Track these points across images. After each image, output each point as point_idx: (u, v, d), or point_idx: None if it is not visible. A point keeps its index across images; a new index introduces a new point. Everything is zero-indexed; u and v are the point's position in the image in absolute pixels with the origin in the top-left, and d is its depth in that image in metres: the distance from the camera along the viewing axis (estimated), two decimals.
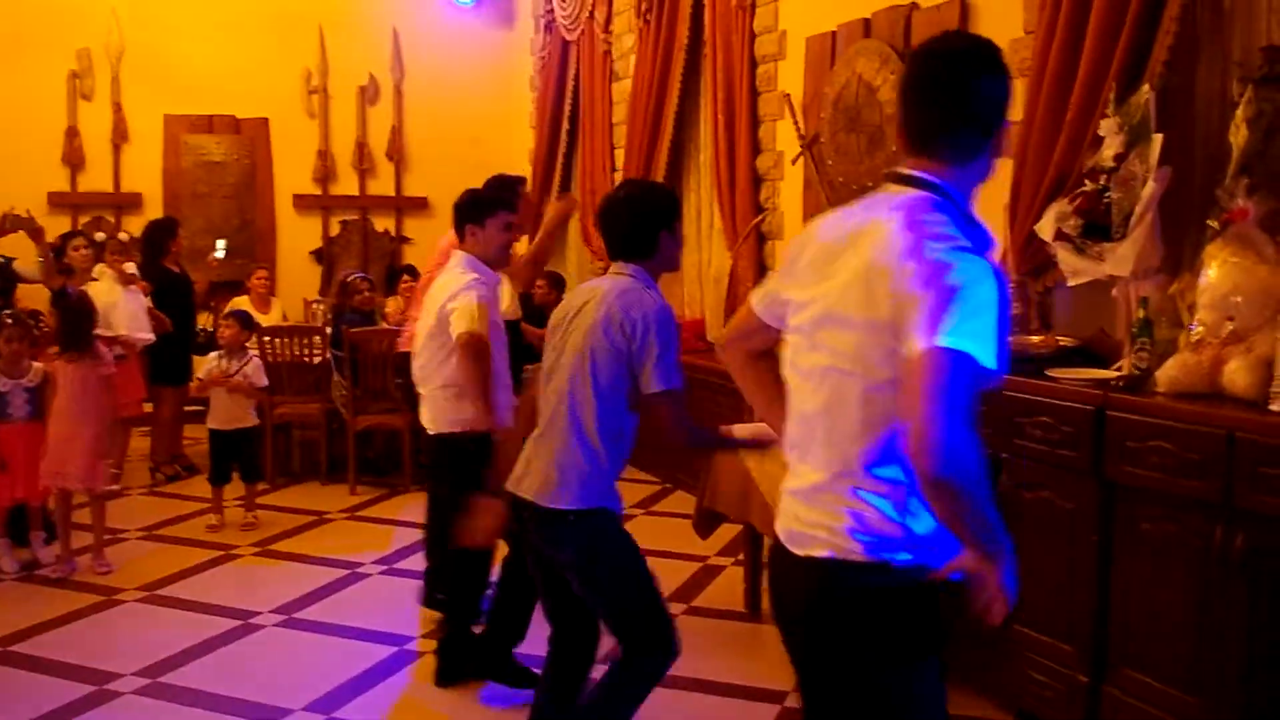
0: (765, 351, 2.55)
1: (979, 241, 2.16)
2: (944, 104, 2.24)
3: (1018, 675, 4.09)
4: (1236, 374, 3.44)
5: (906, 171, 2.27)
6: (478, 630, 4.61)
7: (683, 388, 3.39)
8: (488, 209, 4.63)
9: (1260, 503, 3.18)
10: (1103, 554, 3.74)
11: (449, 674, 4.56)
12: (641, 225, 3.50)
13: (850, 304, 2.18)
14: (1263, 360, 3.39)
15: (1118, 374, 3.84)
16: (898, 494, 2.19)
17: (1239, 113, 3.73)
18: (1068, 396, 3.82)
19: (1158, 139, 3.90)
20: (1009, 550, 2.16)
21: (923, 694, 2.34)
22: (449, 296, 4.43)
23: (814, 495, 2.29)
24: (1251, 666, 3.26)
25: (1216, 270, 3.57)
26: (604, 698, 3.51)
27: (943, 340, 1.97)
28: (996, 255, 2.23)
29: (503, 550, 4.49)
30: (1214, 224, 3.74)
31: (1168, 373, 3.61)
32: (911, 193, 2.23)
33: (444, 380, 4.54)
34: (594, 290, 3.49)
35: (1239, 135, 3.71)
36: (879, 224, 2.17)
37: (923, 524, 2.20)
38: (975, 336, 1.99)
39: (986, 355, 2.00)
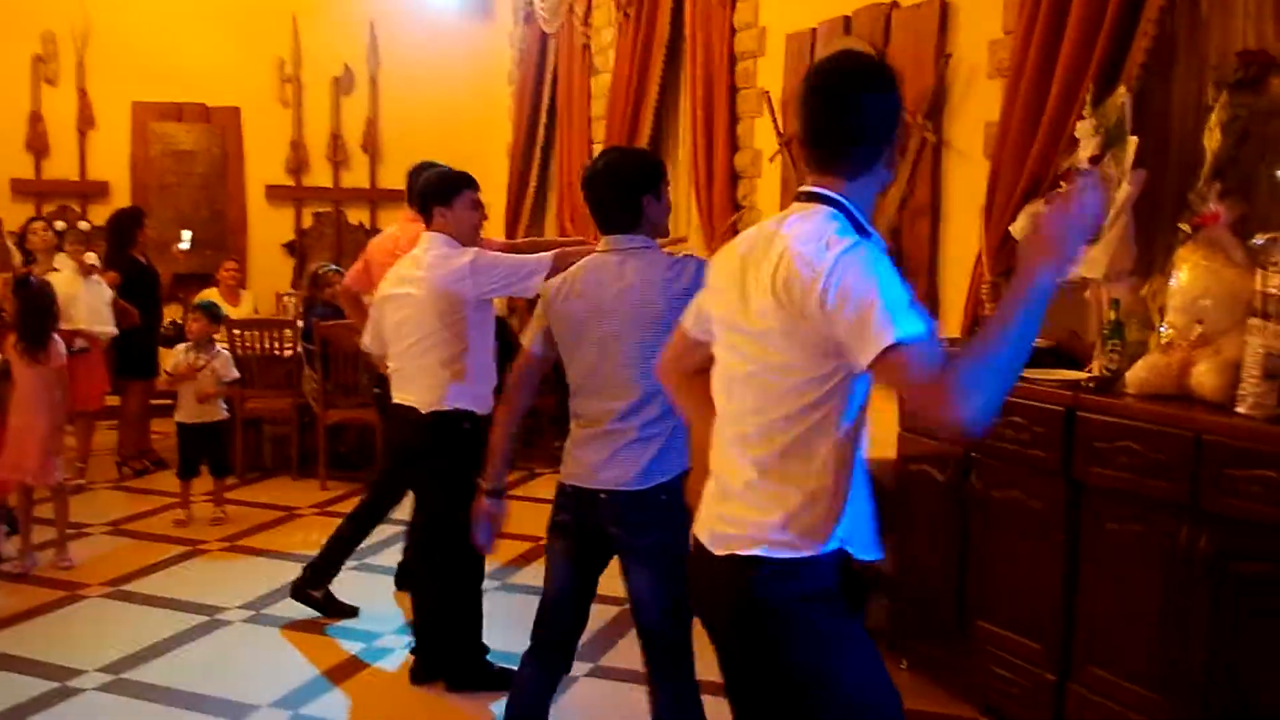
0: (701, 369, 2.57)
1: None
2: (833, 123, 2.36)
3: (984, 672, 4.12)
4: (1205, 376, 3.46)
5: (809, 189, 2.38)
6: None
7: None
8: (453, 188, 4.53)
9: (1226, 505, 3.21)
10: (1070, 553, 3.77)
11: (426, 671, 4.53)
12: (624, 193, 3.39)
13: (768, 316, 2.27)
14: (1230, 363, 3.41)
15: (1088, 375, 3.86)
16: (821, 490, 2.28)
17: (1213, 117, 3.74)
18: (1039, 397, 3.83)
19: (1133, 142, 3.91)
20: (1051, 264, 2.15)
21: (860, 656, 2.40)
22: (447, 271, 4.35)
23: (743, 493, 2.35)
24: (1215, 665, 3.29)
25: (1187, 273, 3.59)
26: None
27: (892, 337, 2.05)
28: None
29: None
30: (1185, 227, 3.76)
31: (1137, 374, 3.63)
32: (811, 208, 2.33)
33: (447, 355, 4.39)
34: (606, 279, 3.34)
35: (1213, 139, 3.73)
36: (781, 239, 2.27)
37: (846, 525, 2.30)
38: (908, 318, 2.08)
39: (922, 326, 2.09)
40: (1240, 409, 3.29)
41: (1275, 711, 3.13)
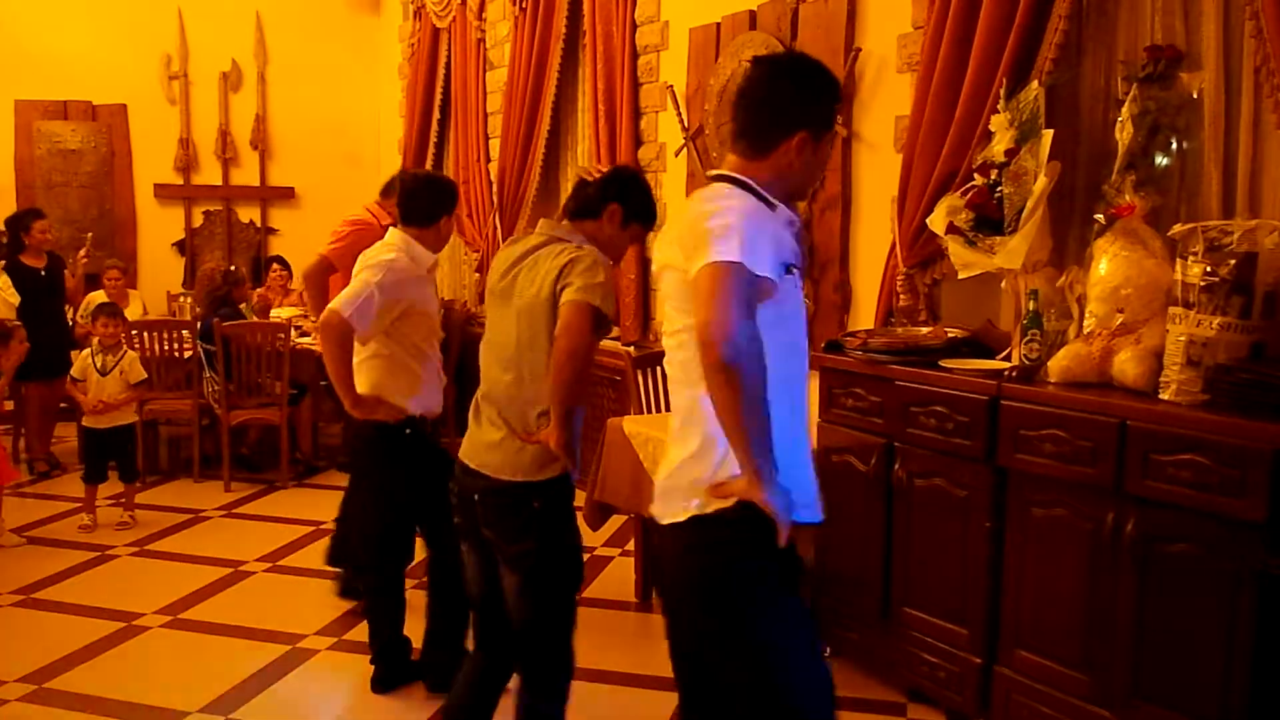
0: None
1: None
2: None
3: (909, 657, 4.20)
4: (1127, 364, 3.56)
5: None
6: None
7: None
8: (455, 201, 4.62)
9: (1151, 489, 3.30)
10: (995, 539, 3.85)
11: (391, 680, 4.48)
12: None
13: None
14: (1151, 351, 3.52)
15: (1009, 365, 3.94)
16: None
17: (1124, 110, 3.84)
18: (962, 387, 3.91)
19: (1048, 134, 3.98)
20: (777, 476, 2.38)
21: (791, 631, 2.56)
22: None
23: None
24: (1140, 644, 3.39)
25: (1107, 264, 3.69)
26: None
27: (713, 257, 2.32)
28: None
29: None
30: (1101, 219, 3.86)
31: (1060, 363, 3.72)
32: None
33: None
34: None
35: (1124, 132, 3.83)
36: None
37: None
38: (740, 249, 2.32)
39: (756, 262, 2.33)
40: (1164, 395, 3.39)
41: (1206, 685, 3.23)
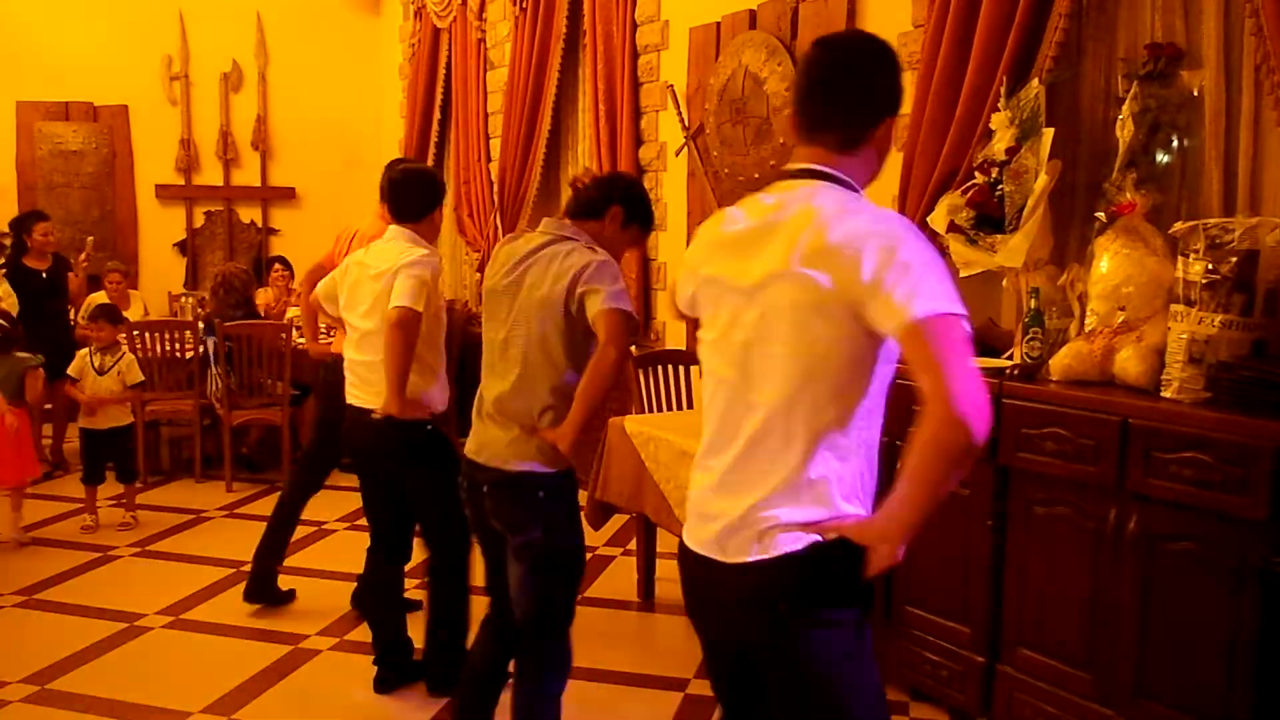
0: None
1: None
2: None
3: (912, 655, 4.19)
4: (1128, 362, 3.56)
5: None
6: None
7: None
8: (444, 191, 4.62)
9: (1153, 486, 3.30)
10: (998, 538, 3.84)
11: (393, 680, 4.48)
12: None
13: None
14: (1153, 349, 3.52)
15: (1011, 363, 3.94)
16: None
17: (1125, 108, 3.84)
18: None
19: (1048, 133, 3.99)
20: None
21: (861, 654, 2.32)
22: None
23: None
24: (1143, 642, 3.39)
25: (1109, 262, 3.69)
26: None
27: (929, 308, 1.97)
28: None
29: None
30: (1102, 217, 3.86)
31: (1061, 361, 3.72)
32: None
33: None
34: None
35: (1125, 130, 3.83)
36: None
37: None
38: (951, 293, 2.01)
39: (960, 310, 2.00)
40: (1166, 393, 3.39)
41: (1209, 683, 3.22)
